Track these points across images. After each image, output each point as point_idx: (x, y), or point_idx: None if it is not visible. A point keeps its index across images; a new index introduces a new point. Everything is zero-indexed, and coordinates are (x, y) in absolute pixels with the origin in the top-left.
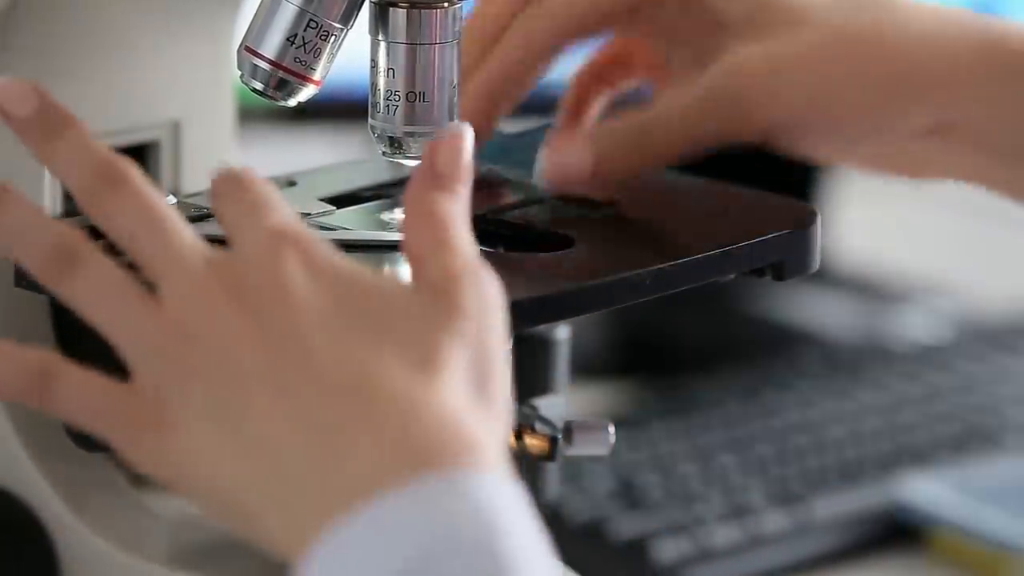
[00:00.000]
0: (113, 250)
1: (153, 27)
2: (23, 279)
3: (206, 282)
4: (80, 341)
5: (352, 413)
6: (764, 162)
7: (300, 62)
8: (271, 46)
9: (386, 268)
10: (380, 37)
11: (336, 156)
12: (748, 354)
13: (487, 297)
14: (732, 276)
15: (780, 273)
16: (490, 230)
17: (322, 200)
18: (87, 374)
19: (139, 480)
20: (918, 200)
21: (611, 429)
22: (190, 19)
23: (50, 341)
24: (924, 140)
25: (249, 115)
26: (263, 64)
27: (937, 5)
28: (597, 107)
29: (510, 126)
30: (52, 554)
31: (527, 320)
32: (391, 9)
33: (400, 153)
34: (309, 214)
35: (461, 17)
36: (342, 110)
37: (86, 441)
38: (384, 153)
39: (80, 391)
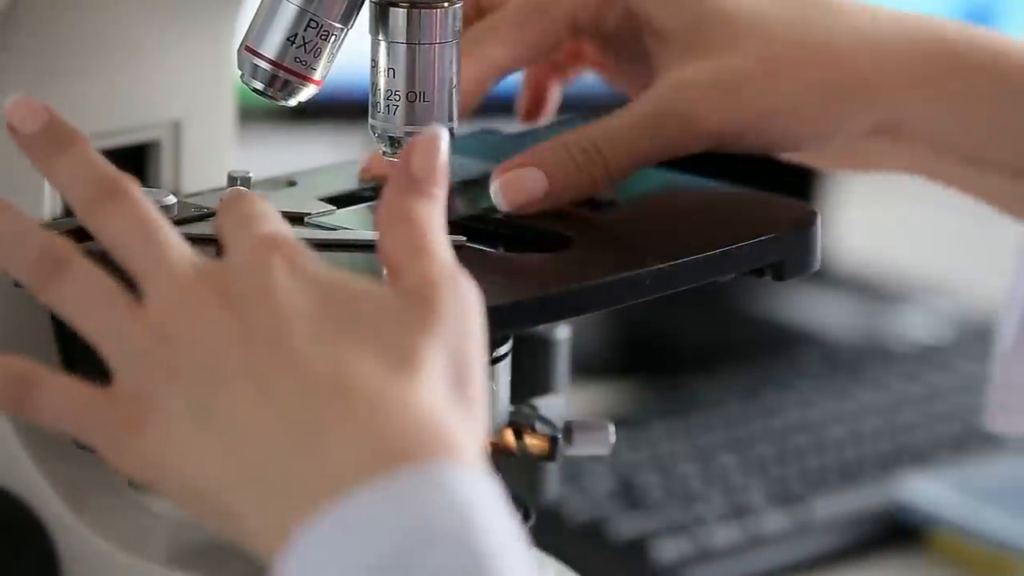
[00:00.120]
0: (103, 258)
1: (154, 27)
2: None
3: (192, 287)
4: (80, 340)
5: (330, 412)
6: (764, 162)
7: (300, 62)
8: (271, 46)
9: (369, 275)
10: (380, 37)
11: (336, 156)
12: (748, 354)
13: (465, 302)
14: (732, 276)
15: (780, 273)
16: (490, 230)
17: (322, 200)
18: (68, 380)
19: None
20: (918, 200)
21: (611, 429)
22: (191, 19)
23: (50, 341)
24: (873, 139)
25: (249, 115)
26: (263, 64)
27: (879, 6)
28: (553, 100)
29: (510, 127)
30: (52, 554)
31: (527, 320)
32: (391, 9)
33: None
34: (309, 214)
35: (461, 17)
36: (342, 110)
37: None
38: (384, 153)
39: (61, 397)
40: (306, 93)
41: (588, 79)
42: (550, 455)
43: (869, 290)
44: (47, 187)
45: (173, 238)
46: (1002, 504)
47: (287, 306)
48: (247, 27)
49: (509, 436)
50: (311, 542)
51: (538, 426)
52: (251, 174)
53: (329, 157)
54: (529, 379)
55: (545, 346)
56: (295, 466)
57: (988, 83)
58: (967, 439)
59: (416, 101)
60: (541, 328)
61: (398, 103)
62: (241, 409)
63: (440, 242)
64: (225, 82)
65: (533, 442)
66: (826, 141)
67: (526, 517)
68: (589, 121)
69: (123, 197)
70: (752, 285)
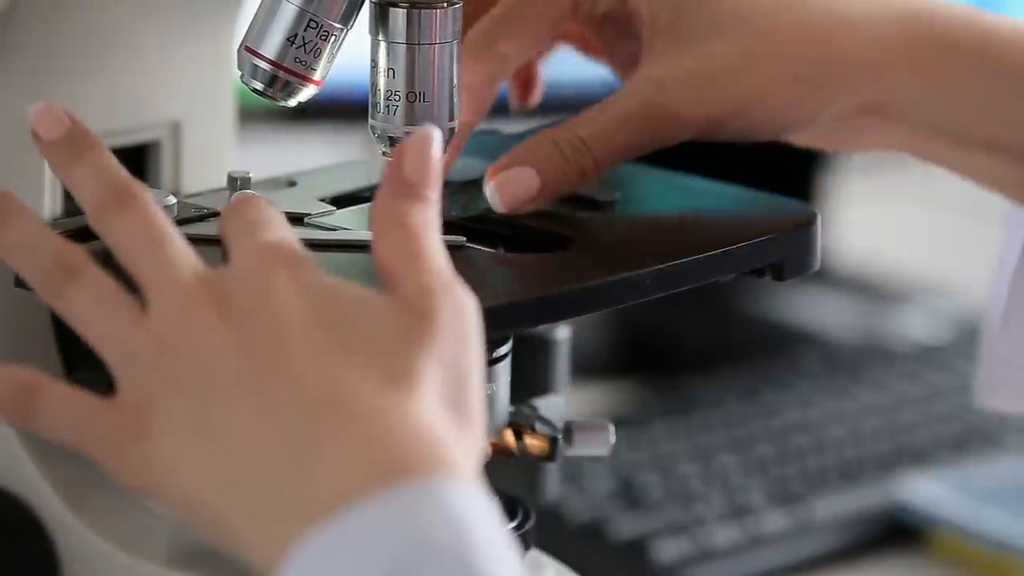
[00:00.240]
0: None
1: (154, 27)
2: (22, 280)
3: (194, 296)
4: (80, 342)
5: (327, 426)
6: (764, 162)
7: (300, 62)
8: (271, 46)
9: (369, 279)
10: (380, 37)
11: (336, 156)
12: (748, 354)
13: (462, 312)
14: (732, 276)
15: (780, 273)
16: (490, 230)
17: (322, 200)
18: (70, 389)
19: None
20: (918, 200)
21: (611, 429)
22: (191, 19)
23: (50, 342)
24: (859, 119)
25: (249, 115)
26: (263, 64)
27: None
28: (540, 80)
29: (510, 127)
30: (52, 554)
31: (527, 320)
32: (391, 9)
33: None
34: (309, 214)
35: (461, 17)
36: (342, 110)
37: None
38: (384, 153)
39: (63, 407)
40: (306, 93)
41: (583, 77)
42: (550, 455)
43: (869, 290)
44: (47, 187)
45: (179, 246)
46: (1002, 504)
47: (286, 317)
48: (247, 27)
49: (509, 436)
50: (309, 557)
51: (538, 426)
52: (251, 174)
53: (329, 157)
54: (529, 379)
55: (545, 346)
56: (292, 480)
57: (970, 60)
58: (967, 439)
59: (416, 101)
60: (541, 328)
61: (398, 103)
62: (239, 422)
63: (435, 247)
64: (225, 82)
65: (533, 442)
66: (811, 125)
67: (526, 517)
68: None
69: (134, 203)
70: (752, 285)
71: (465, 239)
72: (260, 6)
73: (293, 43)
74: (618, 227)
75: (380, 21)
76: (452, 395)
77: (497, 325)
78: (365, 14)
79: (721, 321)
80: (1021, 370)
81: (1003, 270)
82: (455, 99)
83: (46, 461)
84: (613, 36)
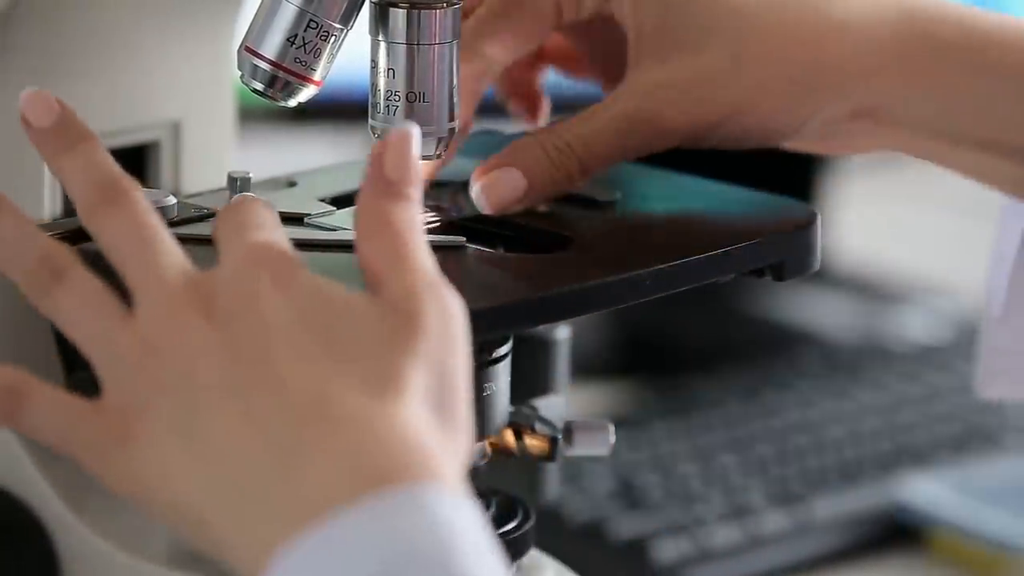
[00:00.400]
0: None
1: (154, 27)
2: None
3: (180, 299)
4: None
5: (312, 432)
6: (764, 162)
7: (300, 62)
8: (271, 46)
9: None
10: (380, 37)
11: (336, 156)
12: (748, 354)
13: (448, 315)
14: (732, 276)
15: (780, 273)
16: (490, 230)
17: (322, 200)
18: (58, 392)
19: None
20: (917, 200)
21: (611, 429)
22: (191, 19)
23: (50, 342)
24: (851, 123)
25: (249, 115)
26: (263, 64)
27: None
28: (543, 96)
29: (510, 127)
30: (52, 554)
31: (527, 320)
32: (391, 9)
33: None
34: (309, 214)
35: (460, 17)
36: (342, 110)
37: None
38: None
39: (50, 409)
40: (306, 94)
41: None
42: (550, 455)
43: (869, 290)
44: (47, 187)
45: (168, 247)
46: (1002, 504)
47: (271, 321)
48: (247, 27)
49: (509, 436)
50: (294, 562)
51: (538, 426)
52: (251, 174)
53: (329, 157)
54: (529, 379)
55: (545, 346)
56: (277, 485)
57: (963, 61)
58: (967, 439)
59: (416, 102)
60: (541, 328)
61: (398, 104)
62: (224, 425)
63: (420, 248)
64: (225, 82)
65: (533, 442)
66: (802, 130)
67: (526, 517)
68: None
69: (124, 202)
70: (752, 285)
71: (465, 239)
72: (260, 6)
73: (293, 43)
74: (618, 227)
75: (380, 21)
76: (438, 399)
77: (497, 325)
78: (365, 14)
79: (721, 321)
80: (1020, 358)
81: (1001, 260)
82: (455, 99)
83: (46, 462)
84: (598, 43)
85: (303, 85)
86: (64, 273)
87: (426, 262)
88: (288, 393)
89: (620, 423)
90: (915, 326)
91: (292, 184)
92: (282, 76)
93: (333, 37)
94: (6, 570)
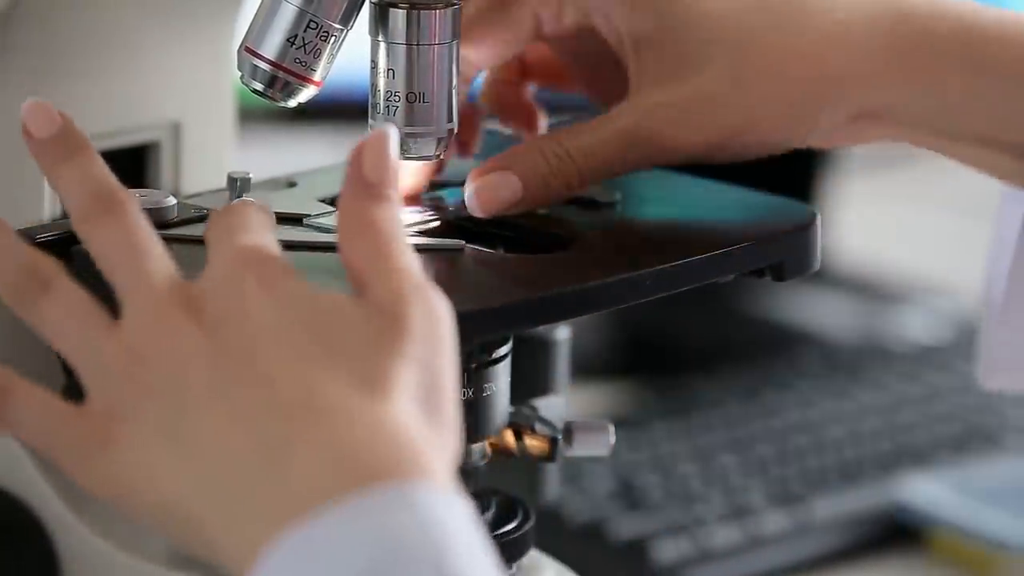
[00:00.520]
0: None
1: (154, 27)
2: None
3: (167, 304)
4: None
5: (300, 432)
6: (764, 162)
7: (300, 63)
8: (271, 47)
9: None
10: (380, 38)
11: (336, 156)
12: (748, 354)
13: (434, 315)
14: (732, 276)
15: (780, 273)
16: (490, 231)
17: (322, 200)
18: (42, 393)
19: None
20: (917, 200)
21: (611, 430)
22: (190, 20)
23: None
24: (852, 125)
25: (249, 115)
26: (263, 65)
27: None
28: (536, 109)
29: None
30: (53, 555)
31: (527, 321)
32: (391, 10)
33: (400, 154)
34: (309, 214)
35: (460, 18)
36: (342, 111)
37: None
38: None
39: (32, 409)
40: (306, 94)
41: None
42: (550, 456)
43: (869, 290)
44: (47, 188)
45: (158, 257)
46: (1002, 504)
47: (258, 324)
48: (247, 28)
49: (509, 437)
50: (281, 558)
51: (538, 427)
52: (251, 175)
53: (329, 157)
54: (529, 380)
55: (545, 346)
56: (265, 482)
57: (961, 61)
58: (967, 439)
59: (416, 102)
60: (541, 328)
61: (398, 104)
62: (211, 426)
63: (402, 247)
64: (225, 83)
65: (533, 443)
66: (802, 142)
67: (526, 517)
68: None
69: (118, 211)
70: (752, 285)
71: (464, 243)
72: (260, 6)
73: (293, 44)
74: (618, 227)
75: (380, 22)
76: (425, 398)
77: (497, 326)
78: (365, 15)
79: (721, 321)
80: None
81: (1001, 246)
82: (454, 100)
83: (47, 463)
84: (582, 55)
85: (303, 85)
86: (49, 284)
87: (410, 262)
88: (275, 390)
89: (620, 423)
90: (915, 326)
91: (292, 184)
92: (282, 76)
93: (333, 37)
94: (6, 570)
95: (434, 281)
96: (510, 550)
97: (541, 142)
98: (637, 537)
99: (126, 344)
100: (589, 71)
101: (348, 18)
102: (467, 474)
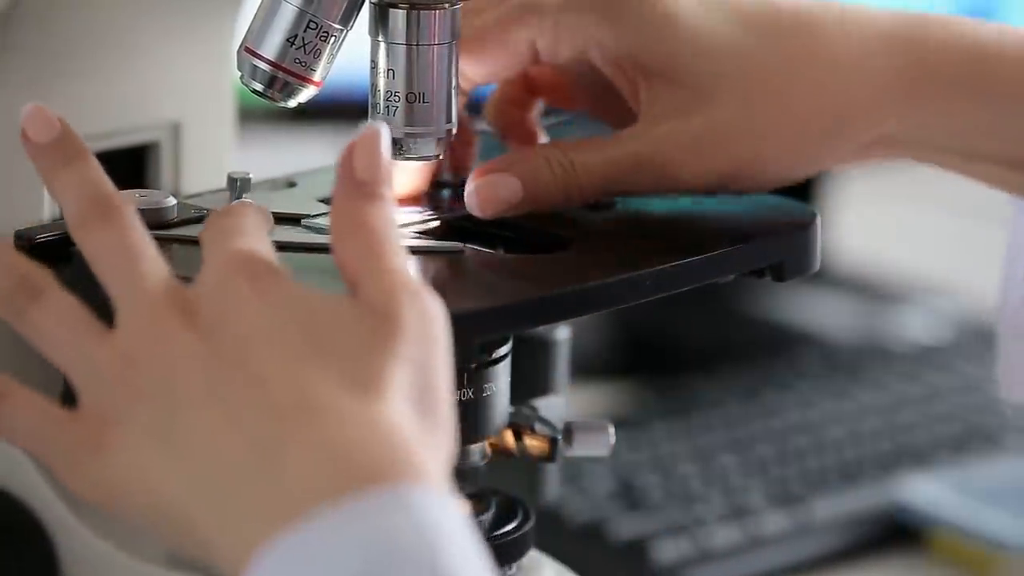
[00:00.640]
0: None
1: (153, 27)
2: None
3: (161, 309)
4: None
5: (294, 433)
6: None
7: (300, 63)
8: (271, 47)
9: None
10: (380, 38)
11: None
12: (748, 354)
13: (427, 315)
14: (732, 276)
15: (780, 273)
16: (489, 231)
17: (321, 201)
18: (35, 396)
19: None
20: (918, 201)
21: (611, 430)
22: (190, 20)
23: None
24: (865, 152)
25: (249, 115)
26: (263, 65)
27: (848, 11)
28: (539, 127)
29: None
30: (53, 555)
31: (527, 321)
32: (391, 10)
33: (400, 154)
34: (308, 215)
35: (460, 18)
36: (342, 111)
37: None
38: None
39: (26, 412)
40: (306, 94)
41: None
42: (550, 456)
43: (869, 290)
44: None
45: (153, 263)
46: (1002, 504)
47: (251, 327)
48: (247, 28)
49: (509, 437)
50: (275, 560)
51: (538, 427)
52: (251, 175)
53: (329, 158)
54: (529, 380)
55: (545, 347)
56: (259, 483)
57: (970, 89)
58: (967, 439)
59: (415, 102)
60: (541, 329)
61: (397, 104)
62: (205, 428)
63: (395, 247)
64: (225, 83)
65: (533, 443)
66: (814, 171)
67: (526, 517)
68: (586, 122)
69: (114, 217)
70: (752, 285)
71: (463, 246)
72: (260, 6)
73: (293, 44)
74: (618, 227)
75: (380, 22)
76: (419, 398)
77: (497, 326)
78: (365, 15)
79: (721, 321)
80: None
81: (1018, 252)
82: (454, 100)
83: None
84: (585, 76)
85: (303, 85)
86: (40, 292)
87: (402, 261)
88: (267, 391)
89: (620, 423)
90: (915, 326)
91: (292, 184)
92: (282, 76)
93: (333, 38)
94: (7, 571)
95: (434, 281)
96: (510, 550)
97: (547, 150)
98: (637, 537)
99: (119, 349)
100: (593, 95)
101: (348, 18)
102: (467, 474)
